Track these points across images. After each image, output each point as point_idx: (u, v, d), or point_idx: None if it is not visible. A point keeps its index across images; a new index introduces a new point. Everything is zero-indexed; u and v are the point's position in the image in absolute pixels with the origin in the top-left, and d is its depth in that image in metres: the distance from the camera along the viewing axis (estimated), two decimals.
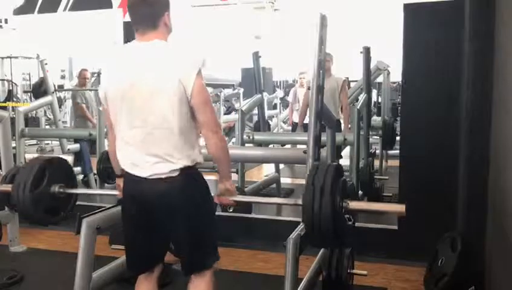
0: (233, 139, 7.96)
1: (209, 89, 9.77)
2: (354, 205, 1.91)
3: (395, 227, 3.39)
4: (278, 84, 12.93)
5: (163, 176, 1.75)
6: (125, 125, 1.79)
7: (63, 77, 11.05)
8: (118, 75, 1.79)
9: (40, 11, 4.39)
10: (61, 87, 9.62)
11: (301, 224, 2.29)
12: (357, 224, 3.33)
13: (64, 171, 2.36)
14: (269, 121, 7.46)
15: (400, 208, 1.92)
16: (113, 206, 2.50)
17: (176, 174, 1.75)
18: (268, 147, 4.77)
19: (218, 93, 6.92)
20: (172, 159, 1.75)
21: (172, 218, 1.79)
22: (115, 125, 1.85)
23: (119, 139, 1.84)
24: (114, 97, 1.79)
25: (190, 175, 1.79)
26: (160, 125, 1.73)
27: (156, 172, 1.75)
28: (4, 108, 5.45)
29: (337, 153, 4.58)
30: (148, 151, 1.76)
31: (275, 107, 9.50)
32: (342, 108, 4.77)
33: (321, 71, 2.39)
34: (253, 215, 4.06)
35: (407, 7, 3.23)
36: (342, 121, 4.89)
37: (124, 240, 1.93)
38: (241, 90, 7.29)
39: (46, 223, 2.47)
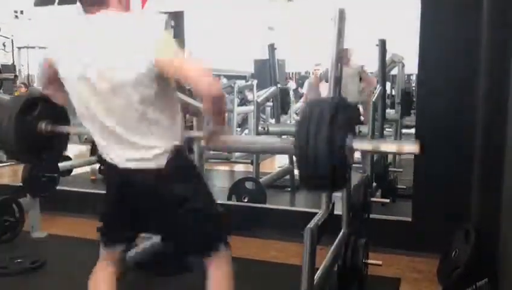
0: (246, 131, 8.02)
1: (223, 80, 9.81)
2: (359, 142, 1.57)
3: (409, 219, 3.43)
4: (291, 75, 12.92)
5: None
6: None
7: None
8: (69, 57, 1.58)
9: (60, 3, 4.44)
10: None
11: (318, 214, 2.34)
12: (371, 215, 3.41)
13: (57, 111, 2.07)
14: None
15: (414, 147, 1.58)
16: None
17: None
18: (284, 138, 4.81)
19: (232, 85, 6.94)
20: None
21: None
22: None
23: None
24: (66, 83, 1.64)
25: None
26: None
27: None
28: None
29: None
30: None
31: None
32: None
33: (339, 64, 2.42)
34: (268, 205, 4.12)
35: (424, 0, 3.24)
36: (360, 107, 4.91)
37: None
38: (255, 82, 7.30)
39: (26, 162, 2.30)
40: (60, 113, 2.10)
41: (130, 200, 1.73)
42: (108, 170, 1.75)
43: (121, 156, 1.67)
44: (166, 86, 1.61)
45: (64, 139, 2.18)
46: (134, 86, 1.53)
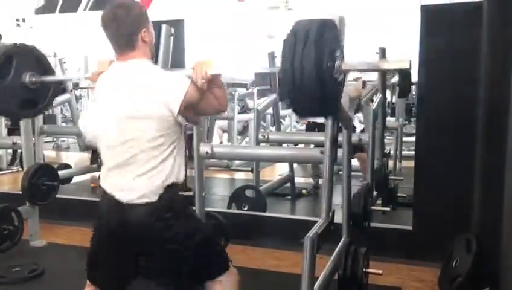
0: (247, 138, 8.01)
1: None
2: (349, 62, 1.52)
3: (410, 227, 3.41)
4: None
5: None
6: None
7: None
8: (99, 101, 1.74)
9: (61, 11, 4.47)
10: (76, 85, 9.76)
11: (318, 222, 2.33)
12: (372, 224, 3.39)
13: (35, 59, 2.05)
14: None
15: (402, 62, 1.57)
16: None
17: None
18: (284, 147, 4.81)
19: (233, 93, 6.93)
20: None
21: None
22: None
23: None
24: (93, 124, 1.76)
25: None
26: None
27: None
28: None
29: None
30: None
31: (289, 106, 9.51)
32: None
33: None
34: (267, 213, 4.10)
35: (424, 8, 3.24)
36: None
37: None
38: (255, 90, 7.30)
39: (24, 117, 2.34)
40: (44, 64, 2.08)
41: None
42: None
43: None
44: None
45: (53, 90, 2.17)
46: None
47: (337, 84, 1.51)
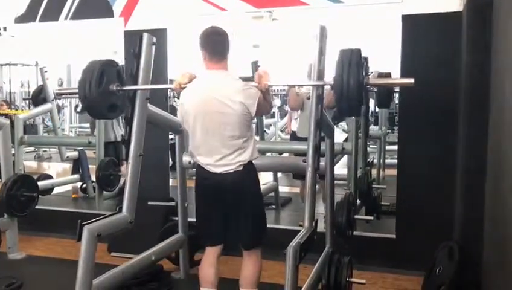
0: None
1: None
2: (372, 79, 2.31)
3: (393, 236, 3.41)
4: (276, 92, 12.96)
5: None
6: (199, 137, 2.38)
7: (60, 85, 11.07)
8: (193, 97, 2.36)
9: (41, 20, 4.40)
10: (58, 95, 9.64)
11: (301, 232, 2.31)
12: (355, 233, 3.39)
13: (117, 72, 2.58)
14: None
15: (409, 80, 2.24)
16: (113, 214, 2.52)
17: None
18: (268, 156, 4.80)
19: None
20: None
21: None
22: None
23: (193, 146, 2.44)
24: (189, 115, 2.37)
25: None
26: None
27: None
28: (6, 115, 5.46)
29: None
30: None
31: (272, 115, 9.53)
32: None
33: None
34: None
35: (405, 18, 3.27)
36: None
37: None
38: None
39: (109, 118, 3.09)
40: (121, 76, 2.58)
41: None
42: None
43: None
44: None
45: (127, 98, 2.69)
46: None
47: (367, 93, 2.29)
